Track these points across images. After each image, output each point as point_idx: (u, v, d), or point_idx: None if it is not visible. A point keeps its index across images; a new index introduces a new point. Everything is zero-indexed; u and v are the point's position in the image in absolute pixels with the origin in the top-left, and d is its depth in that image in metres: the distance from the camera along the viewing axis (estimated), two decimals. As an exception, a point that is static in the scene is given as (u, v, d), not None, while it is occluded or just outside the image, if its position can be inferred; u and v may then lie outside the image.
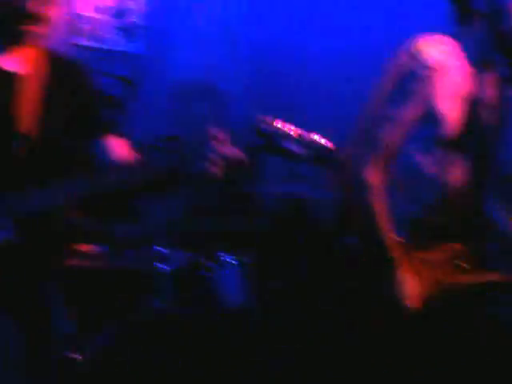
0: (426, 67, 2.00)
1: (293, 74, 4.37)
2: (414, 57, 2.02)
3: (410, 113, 2.02)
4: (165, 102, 4.13)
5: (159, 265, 2.86)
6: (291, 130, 1.87)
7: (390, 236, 2.04)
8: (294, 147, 1.86)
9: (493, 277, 2.17)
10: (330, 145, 1.89)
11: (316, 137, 1.89)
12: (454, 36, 2.09)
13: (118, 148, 2.17)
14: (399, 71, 2.04)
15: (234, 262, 3.00)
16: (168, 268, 2.85)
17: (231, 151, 1.84)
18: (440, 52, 2.03)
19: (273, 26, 4.55)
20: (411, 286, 2.04)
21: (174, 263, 2.90)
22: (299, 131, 1.88)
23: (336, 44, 4.26)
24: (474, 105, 2.08)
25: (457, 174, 2.13)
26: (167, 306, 2.83)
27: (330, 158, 1.88)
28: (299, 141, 1.87)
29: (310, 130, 1.95)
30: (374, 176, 2.02)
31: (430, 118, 2.03)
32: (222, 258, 2.99)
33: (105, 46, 4.23)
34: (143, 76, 3.95)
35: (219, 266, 2.96)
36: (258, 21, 4.60)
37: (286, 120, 1.93)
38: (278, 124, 1.87)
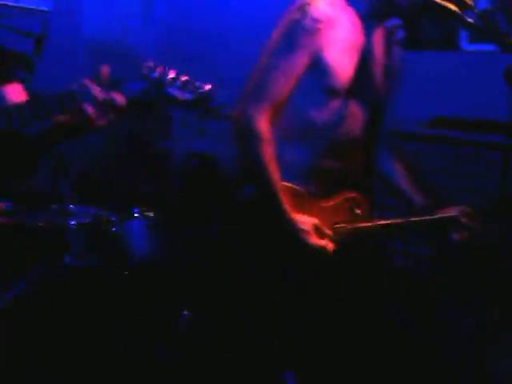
0: (314, 19, 2.04)
1: (207, 32, 4.36)
2: (303, 9, 2.05)
3: (296, 62, 2.06)
4: (74, 59, 4.08)
5: (68, 220, 2.86)
6: (173, 75, 1.89)
7: (281, 183, 2.10)
8: (175, 92, 1.89)
9: (385, 222, 2.27)
10: (209, 89, 1.93)
11: (197, 82, 1.93)
12: None
13: (15, 95, 2.16)
14: (288, 23, 2.08)
15: (142, 217, 3.03)
16: (76, 223, 2.86)
17: (113, 96, 1.86)
18: (328, 6, 2.07)
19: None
20: (306, 229, 2.10)
21: (83, 219, 2.91)
22: (181, 76, 1.90)
23: (254, 2, 4.26)
24: (363, 58, 2.14)
25: (349, 123, 2.19)
26: (77, 261, 2.84)
27: (209, 103, 1.92)
28: (180, 86, 1.90)
29: (227, 87, 1.98)
30: (262, 125, 2.06)
31: (319, 68, 2.08)
32: (130, 214, 3.02)
33: (12, 2, 4.13)
34: (51, 33, 3.87)
35: (127, 222, 2.98)
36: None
37: (201, 78, 1.96)
38: (161, 69, 1.89)
